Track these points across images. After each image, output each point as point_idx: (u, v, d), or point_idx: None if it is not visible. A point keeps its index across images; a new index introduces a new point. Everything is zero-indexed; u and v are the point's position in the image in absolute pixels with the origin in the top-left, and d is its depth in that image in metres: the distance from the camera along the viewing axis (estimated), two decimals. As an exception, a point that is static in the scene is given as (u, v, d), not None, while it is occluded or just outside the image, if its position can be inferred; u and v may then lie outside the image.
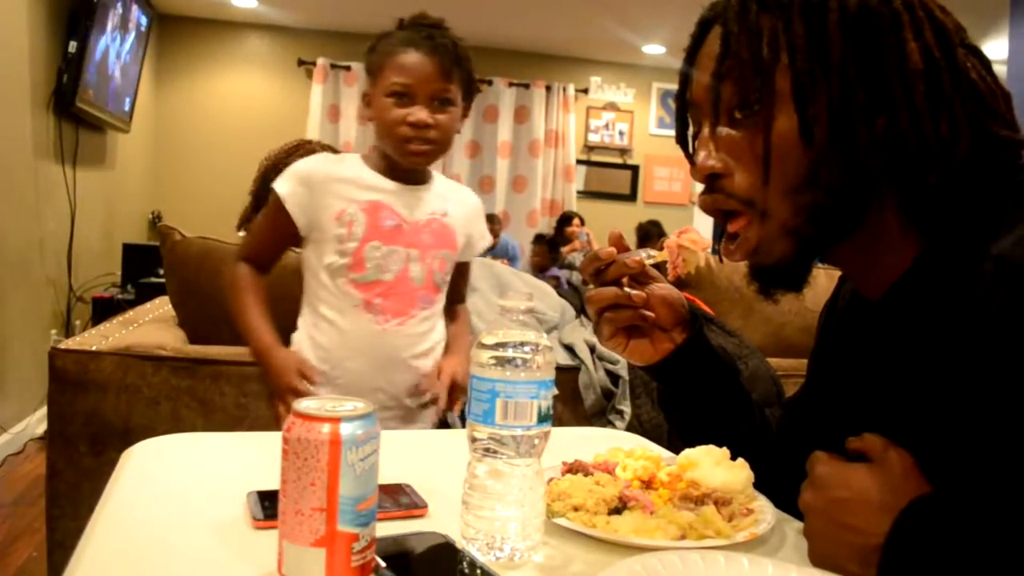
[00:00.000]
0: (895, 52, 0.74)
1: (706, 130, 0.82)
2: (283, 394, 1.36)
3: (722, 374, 1.00)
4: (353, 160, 1.50)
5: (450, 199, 1.53)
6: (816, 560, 0.71)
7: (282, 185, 1.44)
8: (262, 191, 2.17)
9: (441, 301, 1.52)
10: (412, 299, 1.45)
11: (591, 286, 0.96)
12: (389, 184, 1.46)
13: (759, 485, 0.88)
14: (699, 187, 0.86)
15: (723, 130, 0.80)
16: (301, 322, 1.51)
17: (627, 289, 0.93)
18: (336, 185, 1.44)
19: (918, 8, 0.76)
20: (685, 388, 1.00)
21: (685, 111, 0.88)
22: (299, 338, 1.50)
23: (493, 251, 6.41)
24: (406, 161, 1.45)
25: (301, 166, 1.47)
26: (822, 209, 0.77)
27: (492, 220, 6.58)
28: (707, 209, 0.84)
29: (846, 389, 0.89)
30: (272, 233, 1.49)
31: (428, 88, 1.41)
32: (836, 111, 0.74)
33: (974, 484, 0.67)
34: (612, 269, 0.92)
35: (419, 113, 1.40)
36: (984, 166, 0.75)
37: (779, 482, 0.86)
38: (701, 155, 0.81)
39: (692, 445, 0.93)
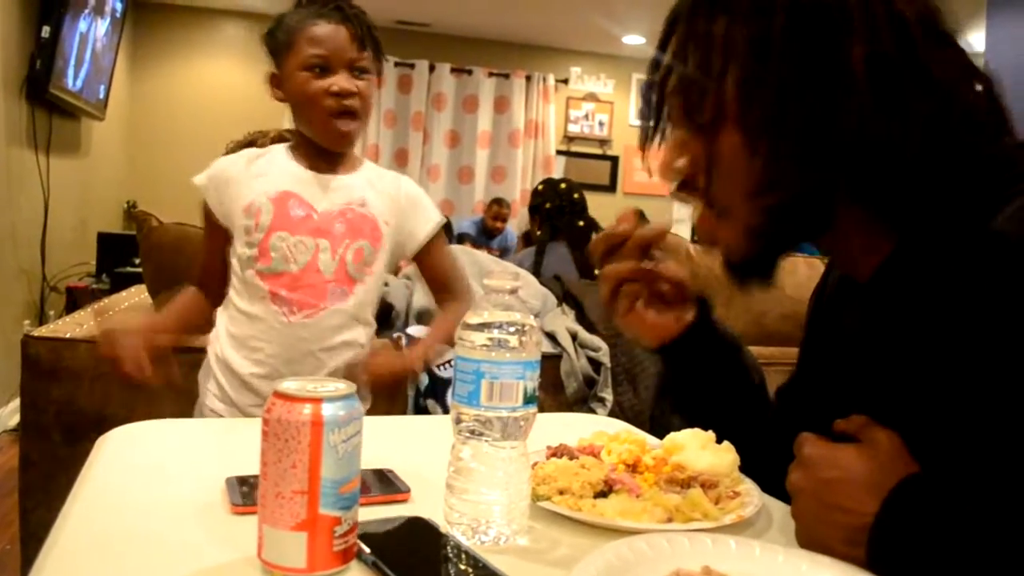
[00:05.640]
0: (836, 57, 0.71)
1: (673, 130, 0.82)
2: (111, 341, 1.30)
3: (730, 354, 1.00)
4: (277, 151, 1.47)
5: (374, 187, 1.46)
6: (804, 541, 0.71)
7: (200, 178, 1.45)
8: None
9: (363, 299, 1.44)
10: (321, 291, 1.39)
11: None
12: (305, 173, 1.43)
13: (761, 467, 0.87)
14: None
15: (682, 134, 0.80)
16: (219, 313, 1.47)
17: (645, 262, 0.92)
18: (249, 179, 1.42)
19: (876, 2, 0.72)
20: (695, 369, 0.99)
21: (662, 104, 0.85)
22: (216, 328, 1.47)
23: (495, 240, 6.35)
24: (333, 143, 1.41)
25: (219, 162, 1.46)
26: (785, 210, 0.76)
27: (501, 204, 6.51)
28: (679, 200, 0.84)
29: (837, 371, 0.88)
30: (207, 231, 1.47)
31: (345, 57, 1.38)
32: (773, 122, 0.73)
33: (964, 464, 0.66)
34: (632, 242, 0.91)
35: (342, 82, 1.37)
36: (950, 158, 0.73)
37: (773, 466, 0.86)
38: (667, 156, 0.82)
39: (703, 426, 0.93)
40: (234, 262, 1.42)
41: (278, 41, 1.43)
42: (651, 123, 0.84)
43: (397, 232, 1.46)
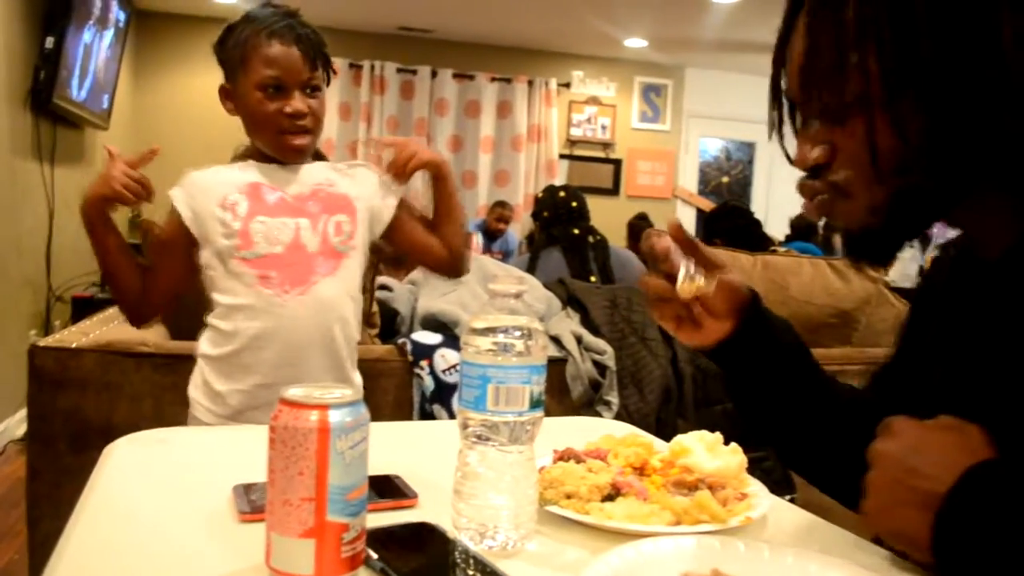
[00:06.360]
0: (985, 36, 0.69)
1: (808, 122, 0.80)
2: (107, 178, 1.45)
3: (786, 355, 0.96)
4: (239, 163, 1.51)
5: (336, 170, 1.52)
6: (869, 511, 0.70)
7: (175, 190, 1.48)
8: None
9: (353, 272, 1.47)
10: (310, 266, 1.42)
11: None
12: (269, 167, 1.47)
13: (842, 460, 0.86)
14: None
15: (818, 123, 0.78)
16: (201, 340, 1.48)
17: (676, 288, 0.89)
18: (217, 179, 1.46)
19: None
20: (746, 372, 0.96)
21: (780, 92, 0.82)
22: (200, 357, 1.47)
23: (496, 242, 6.35)
24: (285, 156, 1.46)
25: (190, 174, 1.50)
26: (915, 190, 0.74)
27: (504, 206, 6.51)
28: (806, 193, 0.82)
29: (943, 353, 0.85)
30: (166, 235, 1.51)
31: (299, 78, 1.43)
32: (927, 110, 0.71)
33: None
34: (667, 265, 0.89)
35: (296, 103, 1.42)
36: None
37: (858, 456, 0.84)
38: (803, 148, 0.79)
39: (766, 433, 0.95)
40: (212, 262, 1.43)
41: (230, 56, 1.47)
42: (778, 113, 0.83)
43: (368, 207, 1.51)
